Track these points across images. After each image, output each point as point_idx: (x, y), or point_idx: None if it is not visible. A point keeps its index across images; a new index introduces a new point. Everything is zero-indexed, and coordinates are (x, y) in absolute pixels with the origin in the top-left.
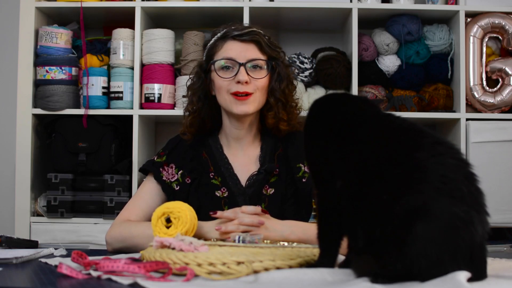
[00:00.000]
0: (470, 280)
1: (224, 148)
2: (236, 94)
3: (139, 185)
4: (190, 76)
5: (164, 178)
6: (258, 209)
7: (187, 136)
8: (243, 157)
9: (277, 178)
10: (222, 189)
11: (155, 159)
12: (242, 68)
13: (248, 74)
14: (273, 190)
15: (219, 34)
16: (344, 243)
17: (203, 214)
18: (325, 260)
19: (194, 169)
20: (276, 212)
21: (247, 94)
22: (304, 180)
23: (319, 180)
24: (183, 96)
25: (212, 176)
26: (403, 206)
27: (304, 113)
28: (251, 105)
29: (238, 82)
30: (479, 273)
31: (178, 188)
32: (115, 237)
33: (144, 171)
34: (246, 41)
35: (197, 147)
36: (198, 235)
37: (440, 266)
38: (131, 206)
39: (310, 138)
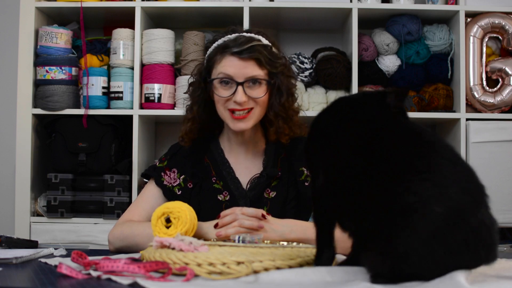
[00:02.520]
0: (479, 263)
1: (225, 152)
2: (233, 112)
3: (139, 185)
4: (192, 74)
5: (165, 182)
6: (258, 212)
7: (185, 142)
8: (245, 160)
9: (279, 182)
10: (224, 193)
11: (157, 164)
12: (239, 88)
13: (246, 93)
14: (275, 193)
15: (220, 42)
16: (346, 243)
17: (204, 218)
18: (321, 258)
19: (196, 174)
20: (277, 214)
21: (246, 111)
22: (306, 184)
23: (312, 175)
24: (185, 93)
25: (214, 181)
26: (393, 205)
27: (303, 113)
28: (249, 122)
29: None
30: (489, 255)
31: (180, 193)
32: (117, 236)
33: (146, 176)
34: (245, 58)
35: (198, 153)
36: (198, 235)
37: (441, 265)
38: (133, 208)
39: (310, 131)
